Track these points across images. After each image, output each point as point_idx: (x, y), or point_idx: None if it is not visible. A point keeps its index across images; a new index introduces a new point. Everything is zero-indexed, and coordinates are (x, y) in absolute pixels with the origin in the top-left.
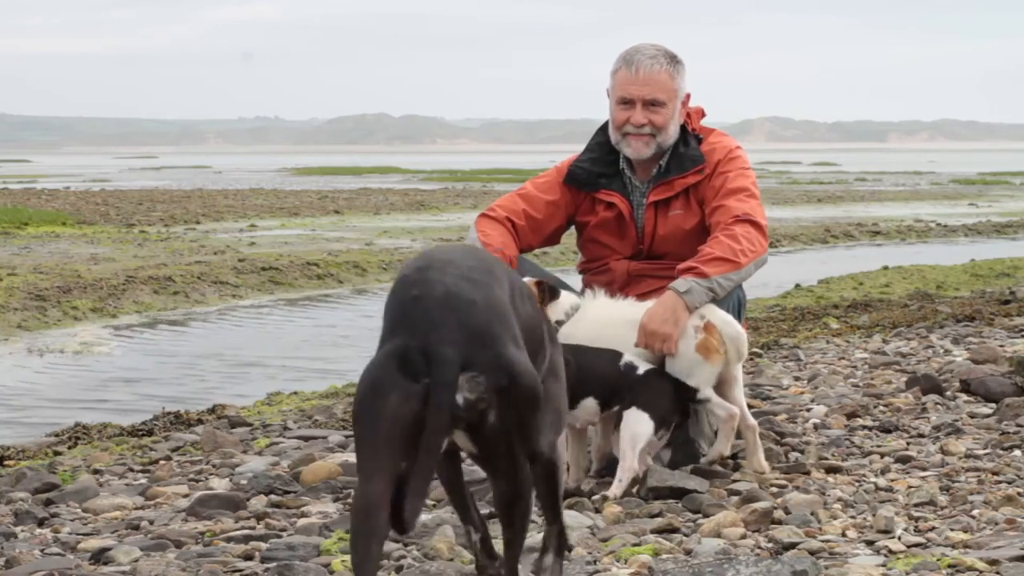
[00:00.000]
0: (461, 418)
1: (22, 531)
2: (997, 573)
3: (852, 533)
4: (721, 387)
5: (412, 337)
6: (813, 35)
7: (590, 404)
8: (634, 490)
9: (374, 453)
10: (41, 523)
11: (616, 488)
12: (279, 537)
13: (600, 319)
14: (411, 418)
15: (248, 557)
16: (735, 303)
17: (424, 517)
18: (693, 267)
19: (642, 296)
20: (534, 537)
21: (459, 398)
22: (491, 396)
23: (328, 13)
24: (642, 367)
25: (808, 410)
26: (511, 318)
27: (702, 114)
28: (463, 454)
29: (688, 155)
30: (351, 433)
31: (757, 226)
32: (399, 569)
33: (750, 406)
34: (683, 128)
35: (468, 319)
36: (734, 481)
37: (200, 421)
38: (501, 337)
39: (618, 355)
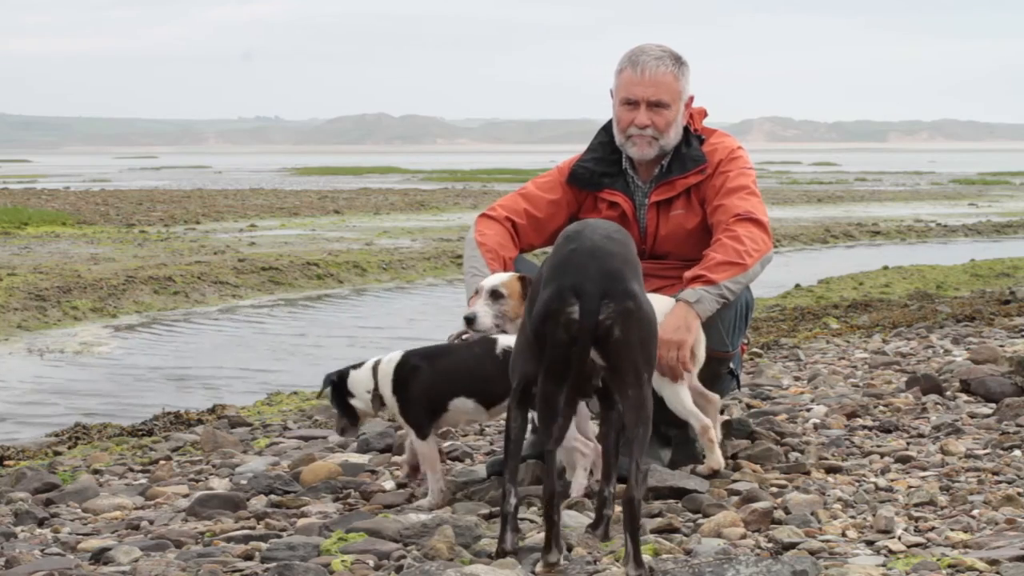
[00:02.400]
0: (595, 333)
1: (22, 531)
2: (997, 573)
3: (852, 533)
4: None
5: (567, 278)
6: (812, 35)
7: (462, 404)
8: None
9: (552, 362)
10: (41, 523)
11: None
12: (279, 537)
13: None
14: (567, 333)
15: (248, 557)
16: (743, 306)
17: (424, 517)
18: (700, 275)
19: None
20: (533, 538)
21: (599, 318)
22: (617, 316)
23: (328, 13)
24: None
25: (808, 410)
26: (638, 268)
27: (704, 114)
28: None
29: (690, 155)
30: None
31: (759, 224)
32: (399, 569)
33: (749, 406)
34: (686, 129)
35: (606, 264)
36: (734, 481)
37: (200, 421)
38: (628, 278)
39: (492, 344)
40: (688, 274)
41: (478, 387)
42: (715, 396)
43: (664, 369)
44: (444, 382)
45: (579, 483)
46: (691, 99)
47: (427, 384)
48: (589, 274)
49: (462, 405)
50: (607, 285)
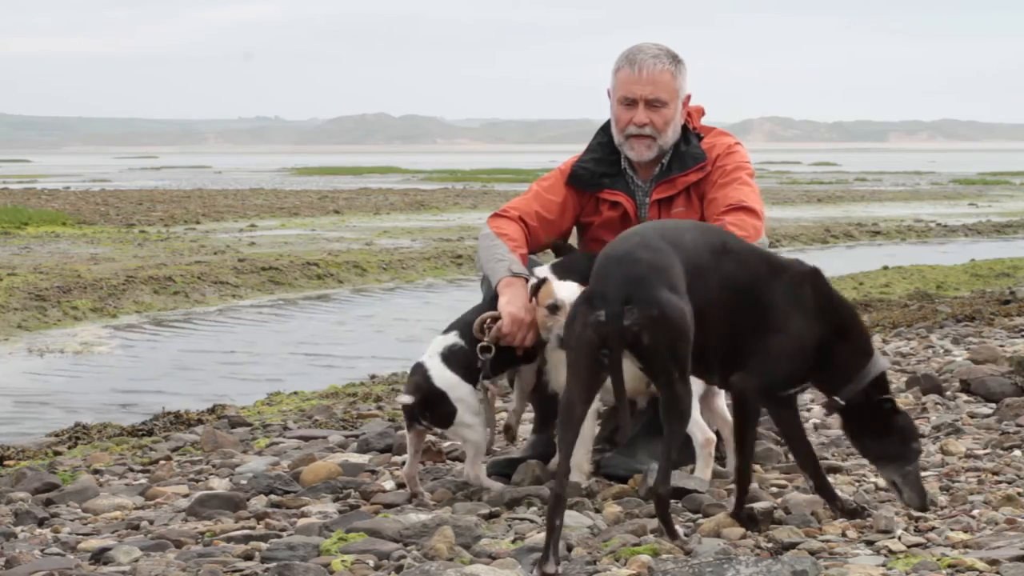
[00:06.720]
0: (624, 338)
1: (22, 531)
2: (997, 573)
3: (852, 533)
4: (703, 398)
5: (596, 284)
6: (812, 35)
7: None
8: (639, 491)
9: (574, 364)
10: (41, 523)
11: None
12: (279, 537)
13: None
14: (593, 337)
15: (248, 557)
16: None
17: (424, 517)
18: None
19: None
20: (533, 538)
21: (624, 323)
22: (644, 322)
23: (328, 13)
24: None
25: (808, 410)
26: (671, 272)
27: (702, 113)
28: None
29: (690, 153)
30: (351, 433)
31: (749, 211)
32: (399, 569)
33: None
34: (684, 127)
35: (630, 271)
36: (734, 481)
37: (200, 421)
38: (655, 283)
39: None
40: None
41: None
42: (731, 422)
43: None
44: None
45: (700, 473)
46: (688, 97)
47: None
48: (613, 280)
49: None
50: (630, 291)
